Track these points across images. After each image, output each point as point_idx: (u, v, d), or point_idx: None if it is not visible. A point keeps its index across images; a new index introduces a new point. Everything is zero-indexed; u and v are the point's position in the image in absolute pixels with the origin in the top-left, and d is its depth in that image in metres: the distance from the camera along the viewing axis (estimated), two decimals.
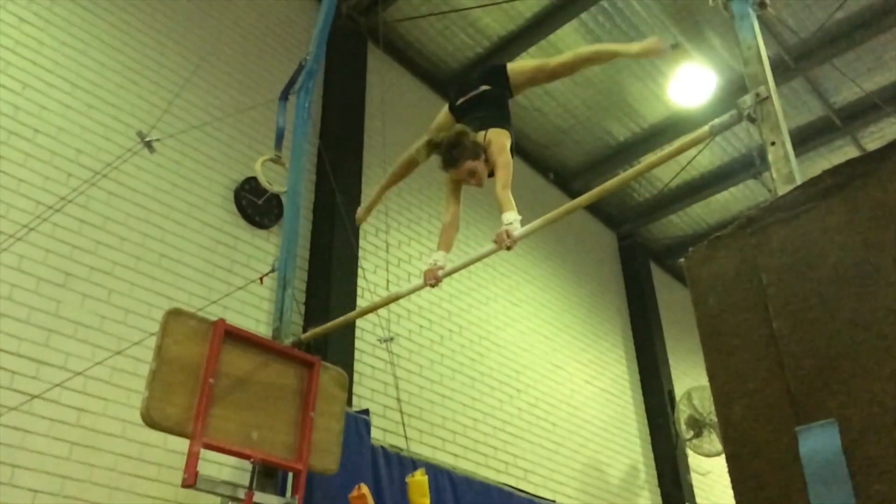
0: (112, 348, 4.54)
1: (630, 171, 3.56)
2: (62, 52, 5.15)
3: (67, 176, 4.84)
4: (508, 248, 3.58)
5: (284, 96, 5.52)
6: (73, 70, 5.16)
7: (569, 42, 7.93)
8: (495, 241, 3.60)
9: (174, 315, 3.88)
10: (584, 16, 7.58)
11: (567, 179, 9.47)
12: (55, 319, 4.46)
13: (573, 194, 9.27)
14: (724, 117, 2.98)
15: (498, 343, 7.44)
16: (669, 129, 8.73)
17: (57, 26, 5.19)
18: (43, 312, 4.43)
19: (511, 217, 3.62)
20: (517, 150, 9.07)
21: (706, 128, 3.11)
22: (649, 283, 10.26)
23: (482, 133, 3.87)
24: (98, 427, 4.41)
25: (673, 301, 10.54)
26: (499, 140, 3.86)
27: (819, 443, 1.49)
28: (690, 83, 8.15)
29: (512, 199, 3.68)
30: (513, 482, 6.70)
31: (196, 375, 3.78)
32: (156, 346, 3.73)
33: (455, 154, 3.75)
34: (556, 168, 9.42)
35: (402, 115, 7.60)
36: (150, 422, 3.57)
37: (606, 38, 7.90)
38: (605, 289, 9.65)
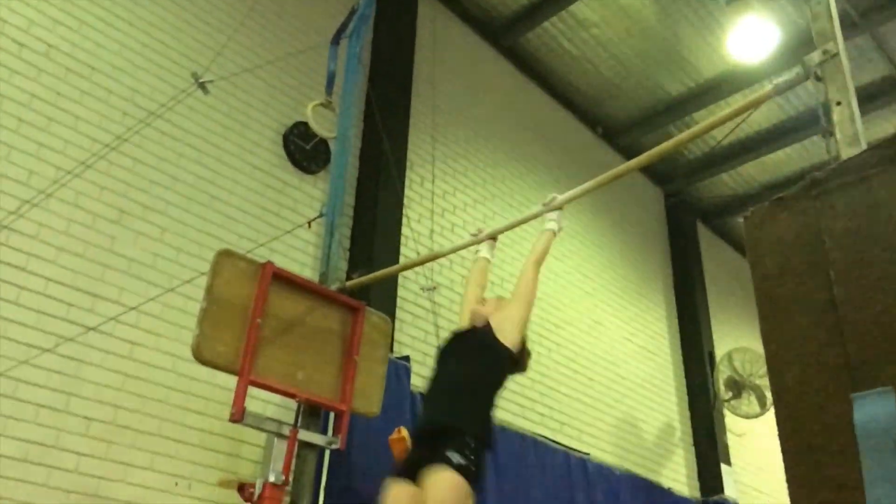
0: (164, 285, 4.66)
1: (687, 133, 3.49)
2: None
3: (122, 115, 4.91)
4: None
5: (336, 41, 5.49)
6: (129, 9, 5.19)
7: None
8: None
9: (225, 256, 3.97)
10: None
11: (616, 134, 9.30)
12: (110, 255, 4.59)
13: (621, 149, 9.12)
14: (790, 75, 2.88)
15: (538, 297, 7.43)
16: (726, 84, 8.47)
17: None
18: (98, 248, 4.55)
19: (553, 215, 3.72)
20: (568, 103, 8.90)
21: (769, 87, 3.02)
22: (695, 242, 10.12)
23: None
24: (150, 360, 4.56)
25: (718, 261, 10.40)
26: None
27: (875, 410, 1.47)
28: (750, 37, 7.86)
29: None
30: (548, 434, 6.78)
31: (244, 315, 3.88)
32: (206, 286, 3.83)
33: None
34: (605, 122, 9.24)
35: (451, 61, 7.52)
36: (201, 358, 3.69)
37: None
38: (650, 246, 9.54)
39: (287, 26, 6.19)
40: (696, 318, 9.44)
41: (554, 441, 6.69)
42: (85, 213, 4.55)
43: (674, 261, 9.86)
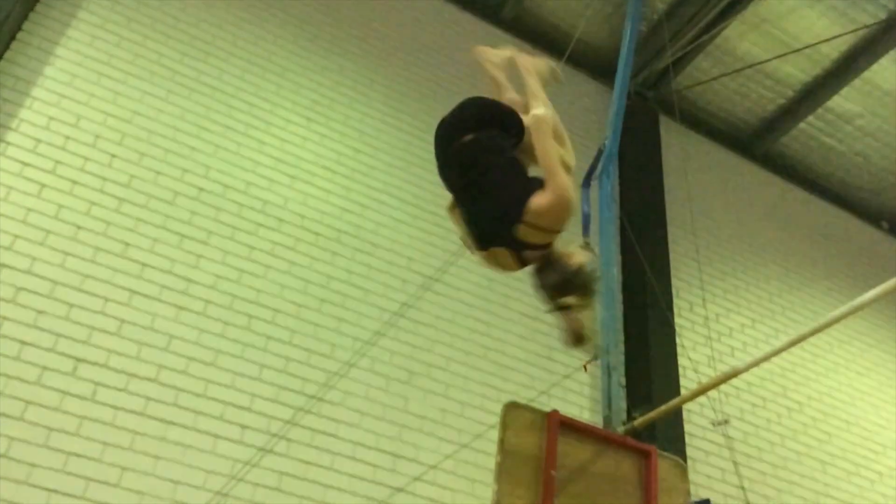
0: (453, 440, 4.83)
1: None
2: (390, 172, 5.82)
3: (402, 282, 5.36)
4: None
5: (587, 183, 5.62)
6: (399, 187, 5.79)
7: (887, 76, 7.11)
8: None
9: (512, 408, 4.01)
10: None
11: None
12: (404, 415, 4.88)
13: None
14: None
15: (847, 420, 6.59)
16: None
17: (384, 151, 5.89)
18: (394, 409, 4.87)
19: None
20: (840, 201, 8.19)
21: None
22: None
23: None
24: None
25: None
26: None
27: None
28: None
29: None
30: None
31: (537, 467, 3.85)
32: (499, 440, 3.87)
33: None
34: (889, 215, 8.34)
35: (704, 180, 7.33)
36: None
37: None
38: None
39: None
40: None
41: None
42: (380, 378, 4.93)
43: None
